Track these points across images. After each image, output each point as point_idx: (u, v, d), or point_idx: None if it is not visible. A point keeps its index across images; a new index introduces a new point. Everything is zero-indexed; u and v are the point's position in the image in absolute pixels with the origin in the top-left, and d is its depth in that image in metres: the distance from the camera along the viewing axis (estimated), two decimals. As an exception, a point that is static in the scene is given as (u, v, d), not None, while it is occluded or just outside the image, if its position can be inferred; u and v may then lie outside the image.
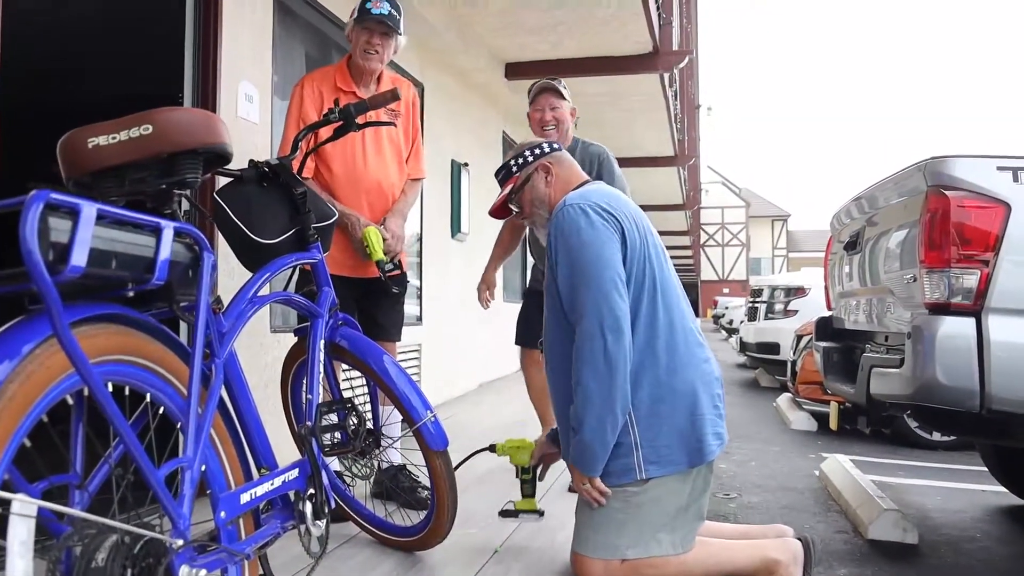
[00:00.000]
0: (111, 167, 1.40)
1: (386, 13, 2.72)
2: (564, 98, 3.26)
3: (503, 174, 2.30)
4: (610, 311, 1.88)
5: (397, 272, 2.75)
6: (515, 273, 7.98)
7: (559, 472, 3.36)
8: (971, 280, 2.40)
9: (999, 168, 2.45)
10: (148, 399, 1.42)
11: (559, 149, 2.30)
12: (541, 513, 2.49)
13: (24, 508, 1.04)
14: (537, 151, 2.26)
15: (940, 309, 2.44)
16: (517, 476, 2.49)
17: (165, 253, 1.30)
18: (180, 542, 1.28)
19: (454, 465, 2.26)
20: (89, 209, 1.13)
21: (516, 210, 2.30)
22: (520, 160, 2.26)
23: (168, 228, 1.31)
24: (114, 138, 1.39)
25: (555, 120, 3.24)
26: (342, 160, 2.74)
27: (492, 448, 2.49)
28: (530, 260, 3.77)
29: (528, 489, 2.48)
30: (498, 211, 2.34)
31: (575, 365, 1.93)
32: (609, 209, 2.00)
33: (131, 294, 1.33)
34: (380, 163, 2.82)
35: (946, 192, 2.45)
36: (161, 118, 1.41)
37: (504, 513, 2.49)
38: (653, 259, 2.02)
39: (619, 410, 1.89)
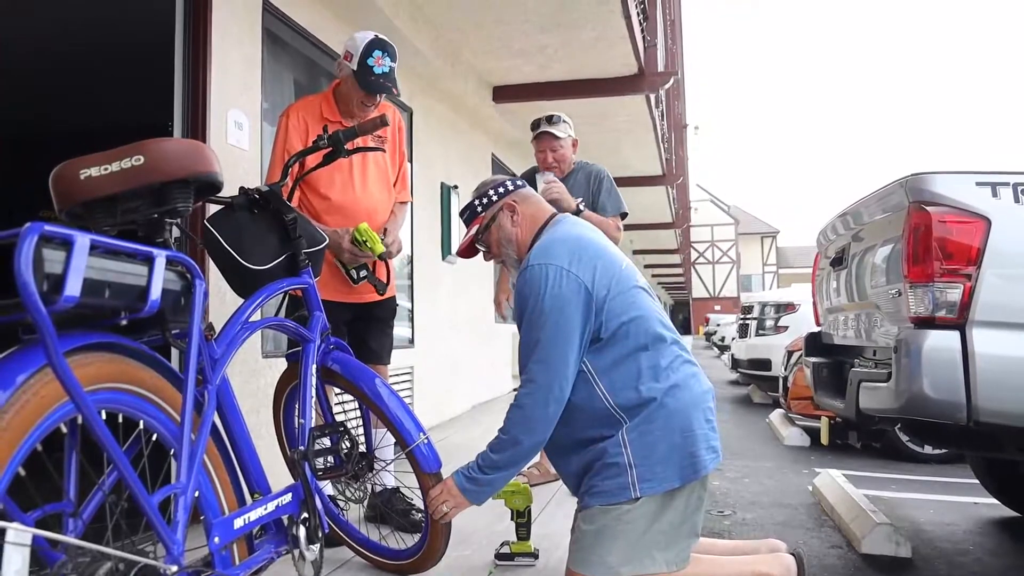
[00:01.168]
0: (103, 197, 1.42)
1: (387, 71, 2.66)
2: (561, 136, 3.52)
3: (468, 214, 2.28)
4: (560, 387, 1.96)
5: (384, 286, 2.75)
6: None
7: (555, 490, 3.37)
8: (954, 294, 2.43)
9: (978, 184, 2.50)
10: (141, 426, 1.43)
11: (523, 186, 2.29)
12: (536, 555, 2.51)
13: (18, 536, 1.05)
14: (501, 190, 2.25)
15: (925, 323, 2.47)
16: (512, 519, 2.50)
17: (158, 281, 1.31)
18: (174, 568, 1.29)
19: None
20: (83, 240, 1.14)
21: (484, 250, 2.31)
22: (484, 200, 2.25)
23: (160, 257, 1.33)
24: (106, 169, 1.40)
25: (556, 160, 3.54)
26: (330, 186, 2.74)
27: None
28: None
29: (523, 532, 2.50)
30: (466, 251, 2.33)
31: (511, 415, 2.02)
32: (573, 263, 2.00)
33: (124, 322, 1.34)
34: (371, 189, 2.84)
35: (927, 208, 2.49)
36: (152, 149, 1.43)
37: (500, 556, 2.51)
38: (626, 291, 2.03)
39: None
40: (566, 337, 1.96)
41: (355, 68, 2.65)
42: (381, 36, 2.69)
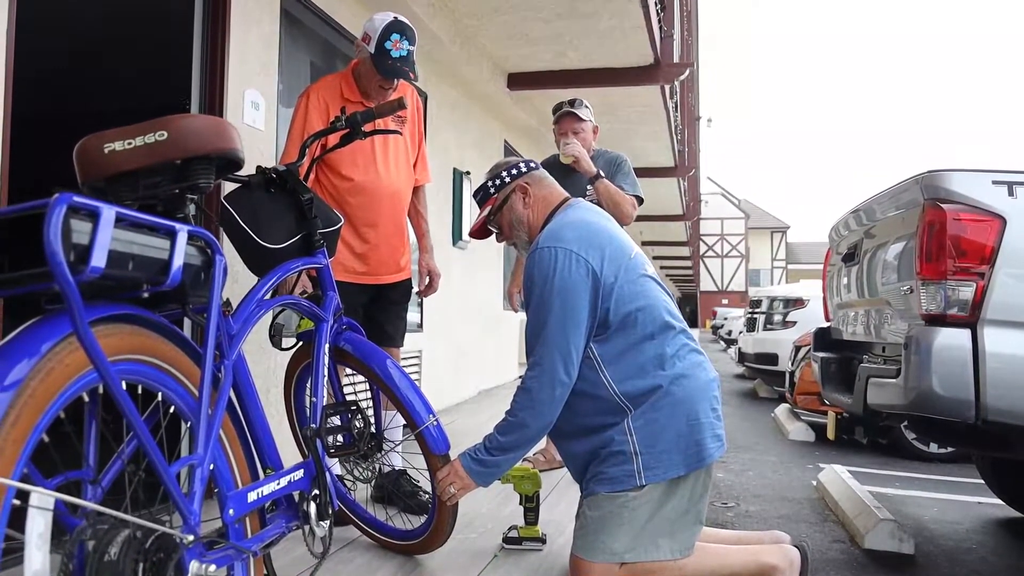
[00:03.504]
0: (126, 172, 1.43)
1: (405, 54, 2.63)
2: (584, 119, 3.50)
3: (481, 195, 2.29)
4: (566, 370, 1.97)
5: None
6: (515, 282, 8.01)
7: (559, 477, 3.39)
8: (967, 292, 2.43)
9: (994, 182, 2.49)
10: (159, 398, 1.45)
11: (536, 168, 2.30)
12: (544, 540, 2.52)
13: (42, 501, 1.07)
14: (514, 171, 2.26)
15: (936, 320, 2.47)
16: (521, 504, 2.52)
17: (179, 256, 1.32)
18: (191, 538, 1.31)
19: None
20: (109, 212, 1.16)
21: (496, 231, 2.31)
22: (497, 181, 2.25)
23: (182, 231, 1.34)
24: (129, 144, 1.41)
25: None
26: (352, 167, 2.73)
27: None
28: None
29: (531, 517, 2.52)
30: (478, 232, 2.34)
31: (518, 398, 2.03)
32: (583, 247, 2.01)
33: (146, 295, 1.36)
34: (395, 171, 2.83)
35: (942, 205, 2.49)
36: (176, 125, 1.44)
37: (508, 540, 2.52)
38: (635, 280, 2.05)
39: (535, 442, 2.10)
40: (573, 321, 1.97)
41: (373, 51, 2.63)
42: (400, 18, 2.67)
